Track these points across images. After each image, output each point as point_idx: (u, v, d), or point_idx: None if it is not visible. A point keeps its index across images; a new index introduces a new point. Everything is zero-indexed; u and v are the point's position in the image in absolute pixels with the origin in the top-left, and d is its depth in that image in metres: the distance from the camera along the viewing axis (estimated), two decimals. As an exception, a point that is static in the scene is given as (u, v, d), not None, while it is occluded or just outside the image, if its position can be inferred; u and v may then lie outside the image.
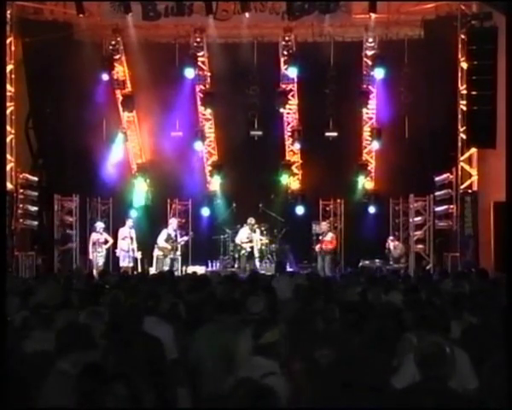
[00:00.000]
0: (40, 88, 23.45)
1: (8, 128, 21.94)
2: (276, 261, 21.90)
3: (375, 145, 23.96)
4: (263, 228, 23.27)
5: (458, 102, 22.26)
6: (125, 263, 22.44)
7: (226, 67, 23.25)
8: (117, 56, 23.98)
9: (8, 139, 21.74)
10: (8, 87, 21.99)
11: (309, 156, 24.14)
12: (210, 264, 23.36)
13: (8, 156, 21.87)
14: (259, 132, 24.04)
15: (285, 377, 5.84)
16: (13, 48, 22.43)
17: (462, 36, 21.91)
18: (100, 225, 22.94)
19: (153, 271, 21.67)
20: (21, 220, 22.77)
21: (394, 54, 23.20)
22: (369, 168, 24.39)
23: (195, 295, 10.11)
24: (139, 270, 22.24)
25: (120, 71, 24.26)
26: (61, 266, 22.85)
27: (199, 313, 8.45)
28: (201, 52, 23.84)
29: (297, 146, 24.30)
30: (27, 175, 23.38)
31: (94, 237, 22.71)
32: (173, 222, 22.91)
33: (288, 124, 24.41)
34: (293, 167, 24.64)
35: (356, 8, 23.07)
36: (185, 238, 23.04)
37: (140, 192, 24.88)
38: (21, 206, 22.82)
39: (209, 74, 24.05)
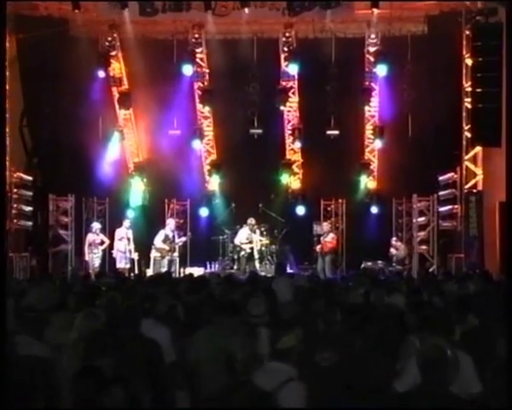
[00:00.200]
0: (35, 85, 23.47)
1: (2, 126, 21.96)
2: (276, 263, 21.91)
3: (378, 144, 23.97)
4: (263, 229, 23.28)
5: (463, 99, 22.30)
6: (121, 264, 22.45)
7: (225, 64, 23.29)
8: (113, 53, 24.01)
9: (1, 137, 21.75)
10: (2, 84, 22.00)
11: (310, 155, 24.16)
12: (208, 265, 23.37)
13: (2, 155, 21.90)
14: (259, 131, 24.06)
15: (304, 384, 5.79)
16: (7, 44, 22.44)
17: (467, 32, 21.95)
18: (96, 225, 22.95)
19: (150, 272, 21.67)
20: (15, 221, 22.80)
21: (397, 50, 23.22)
22: (371, 167, 24.40)
23: (194, 296, 10.12)
24: (136, 271, 22.24)
25: (117, 68, 24.28)
26: (52, 268, 22.80)
27: (197, 316, 8.47)
28: (200, 48, 23.87)
29: (297, 145, 24.32)
30: (21, 174, 23.42)
31: (90, 237, 22.71)
32: (171, 222, 22.92)
33: (289, 122, 24.43)
34: (294, 166, 24.66)
35: (358, 3, 23.08)
36: (183, 239, 23.06)
37: (137, 192, 24.89)
38: (15, 206, 22.85)
39: (208, 71, 24.08)
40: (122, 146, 24.87)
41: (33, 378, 5.84)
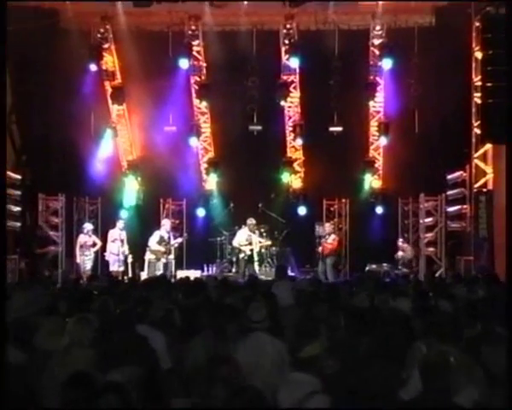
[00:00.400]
0: (23, 80, 23.47)
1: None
2: (276, 265, 21.91)
3: (383, 141, 24.01)
4: (262, 230, 23.29)
5: (472, 94, 22.30)
6: (114, 267, 22.46)
7: (223, 57, 23.31)
8: (106, 45, 24.04)
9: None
10: (-11, 79, 22.00)
11: (312, 153, 24.19)
12: (206, 268, 23.40)
13: (-10, 153, 21.89)
14: (259, 127, 24.10)
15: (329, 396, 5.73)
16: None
17: (477, 23, 21.94)
18: (88, 226, 22.95)
19: (144, 275, 21.69)
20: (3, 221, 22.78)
21: (403, 43, 23.25)
22: (376, 165, 24.43)
23: (191, 301, 10.15)
24: (130, 275, 22.24)
25: (109, 61, 24.31)
26: (38, 271, 22.73)
27: (195, 321, 8.49)
28: (197, 41, 23.91)
29: (299, 142, 24.35)
30: (10, 173, 23.37)
31: (81, 239, 22.72)
32: (166, 223, 22.92)
33: (290, 118, 24.46)
34: (295, 165, 24.69)
35: (362, -7, 23.16)
36: (179, 240, 23.05)
37: (131, 191, 24.92)
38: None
39: (205, 65, 24.11)
40: (115, 143, 24.89)
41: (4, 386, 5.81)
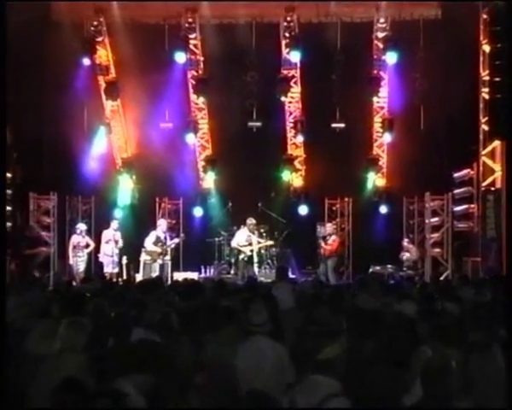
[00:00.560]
0: (14, 75, 23.42)
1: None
2: (277, 267, 21.89)
3: (387, 138, 24.03)
4: (262, 230, 23.29)
5: (480, 89, 22.32)
6: (108, 269, 22.46)
7: (221, 51, 23.32)
8: (99, 39, 24.04)
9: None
10: (-21, 73, 22.01)
11: (313, 150, 24.19)
12: (203, 270, 23.40)
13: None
14: (258, 123, 24.11)
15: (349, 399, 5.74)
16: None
17: (484, 15, 21.96)
18: (81, 226, 22.95)
19: (139, 277, 21.69)
20: (-7, 221, 22.78)
21: (408, 36, 23.25)
22: (380, 163, 24.46)
23: (189, 304, 10.15)
24: (124, 276, 22.25)
25: (103, 55, 24.32)
26: (29, 273, 22.66)
27: (193, 324, 8.50)
28: (194, 34, 23.90)
29: (300, 139, 24.36)
30: (-1, 171, 23.41)
31: (74, 239, 22.71)
32: (162, 223, 22.91)
33: (290, 114, 24.47)
34: (296, 162, 24.70)
35: (366, -16, 23.18)
36: (176, 241, 23.03)
37: (125, 190, 24.92)
38: (-7, 205, 22.83)
39: (202, 59, 24.12)
40: (109, 140, 24.90)
41: None
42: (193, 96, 24.53)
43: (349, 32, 23.32)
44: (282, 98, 24.06)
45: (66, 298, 11.07)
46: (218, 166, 24.63)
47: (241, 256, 22.58)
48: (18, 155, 24.62)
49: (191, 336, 8.16)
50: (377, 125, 24.33)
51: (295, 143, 24.65)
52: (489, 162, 22.38)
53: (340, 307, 9.84)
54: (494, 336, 8.00)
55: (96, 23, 23.83)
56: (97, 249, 22.91)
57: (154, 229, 22.72)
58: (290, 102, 24.35)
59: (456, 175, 22.97)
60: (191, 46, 23.96)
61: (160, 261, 22.22)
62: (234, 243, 22.78)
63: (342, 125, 23.88)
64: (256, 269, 22.59)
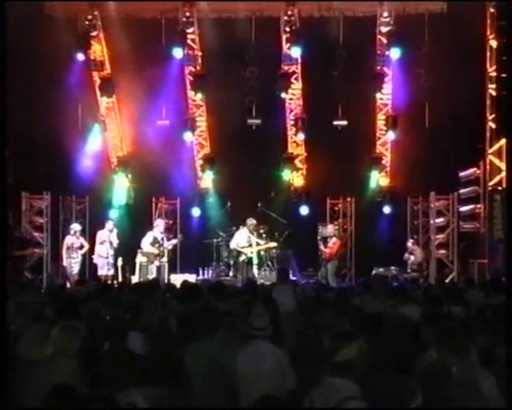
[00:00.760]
0: (6, 70, 23.43)
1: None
2: (278, 269, 21.88)
3: (391, 135, 24.02)
4: (262, 231, 23.28)
5: (486, 85, 22.32)
6: (103, 271, 22.46)
7: (220, 46, 23.33)
8: (94, 33, 24.04)
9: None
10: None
11: (314, 148, 24.19)
12: (201, 272, 23.40)
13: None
14: (258, 121, 24.13)
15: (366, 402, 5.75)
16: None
17: (491, 9, 21.97)
18: (75, 227, 22.92)
19: (135, 279, 21.66)
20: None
21: (413, 31, 23.27)
22: (383, 162, 24.44)
23: (187, 307, 10.15)
24: (120, 278, 22.23)
25: (98, 50, 24.31)
26: (18, 275, 22.63)
27: (191, 328, 8.50)
28: (191, 28, 23.90)
29: (301, 136, 24.36)
30: (-9, 170, 23.40)
31: (68, 240, 22.69)
32: (160, 224, 22.86)
33: (291, 111, 24.47)
34: (297, 161, 24.70)
35: (369, -23, 23.19)
36: (174, 242, 22.98)
37: (121, 189, 24.93)
38: (-16, 205, 22.82)
39: (200, 54, 24.10)
40: (104, 138, 24.88)
41: None
42: (190, 93, 24.53)
43: (351, 26, 23.33)
44: (283, 95, 24.05)
45: (59, 301, 11.09)
46: (216, 164, 24.63)
47: (242, 258, 22.54)
48: (10, 153, 24.64)
49: (189, 340, 8.15)
50: (380, 123, 24.31)
51: (296, 141, 24.65)
52: (496, 161, 22.37)
53: (343, 310, 9.86)
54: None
55: (90, 17, 23.82)
56: (92, 251, 22.90)
57: (151, 230, 22.69)
58: (291, 99, 24.34)
59: (462, 174, 22.96)
60: (189, 41, 23.96)
61: (157, 263, 22.20)
62: (233, 245, 22.74)
63: (344, 122, 23.89)
64: (255, 271, 22.58)
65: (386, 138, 24.29)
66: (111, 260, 22.61)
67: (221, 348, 7.82)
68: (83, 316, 9.09)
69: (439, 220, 23.19)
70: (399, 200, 24.03)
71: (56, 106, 23.14)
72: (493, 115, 21.96)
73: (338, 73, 23.72)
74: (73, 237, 22.69)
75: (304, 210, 24.41)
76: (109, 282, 20.60)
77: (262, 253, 23.05)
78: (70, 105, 23.78)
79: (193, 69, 24.31)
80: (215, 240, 23.70)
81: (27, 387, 6.86)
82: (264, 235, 23.25)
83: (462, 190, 22.99)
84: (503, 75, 21.17)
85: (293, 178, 24.78)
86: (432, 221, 23.22)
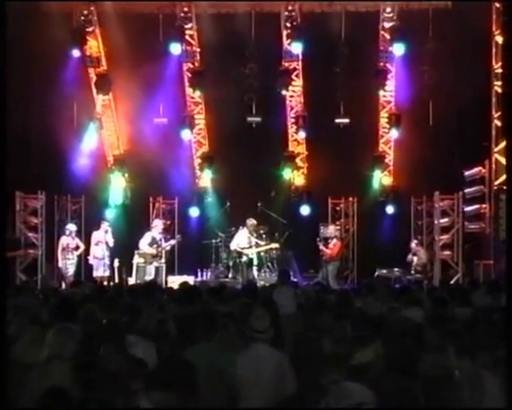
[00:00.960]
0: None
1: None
2: (279, 270, 21.88)
3: (394, 134, 24.04)
4: (262, 231, 23.29)
5: (492, 82, 22.35)
6: (99, 272, 22.48)
7: (218, 42, 23.35)
8: (90, 29, 24.04)
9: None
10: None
11: (316, 147, 24.21)
12: (199, 273, 23.41)
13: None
14: (258, 119, 24.13)
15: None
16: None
17: (497, 4, 21.99)
18: (71, 227, 22.94)
19: (132, 281, 21.69)
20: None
21: (416, 26, 23.28)
22: (386, 161, 24.48)
23: (185, 309, 10.16)
24: (116, 280, 22.24)
25: (94, 46, 24.32)
26: (10, 276, 22.56)
27: (190, 331, 8.51)
28: (189, 24, 23.91)
29: (302, 135, 24.38)
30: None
31: (63, 241, 22.70)
32: (158, 224, 22.83)
33: (292, 109, 24.49)
34: (298, 160, 24.72)
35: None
36: (172, 242, 22.96)
37: (117, 189, 24.94)
38: (-23, 205, 22.82)
39: (198, 50, 24.12)
40: (100, 136, 24.89)
41: None
42: (189, 90, 24.54)
43: (354, 22, 23.31)
44: (283, 92, 24.07)
45: (54, 303, 11.09)
46: (215, 163, 24.64)
47: (243, 259, 22.53)
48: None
49: (188, 343, 8.17)
50: (383, 121, 24.34)
51: (297, 140, 24.67)
52: (502, 160, 22.35)
53: (345, 312, 9.86)
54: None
55: (86, 12, 23.83)
56: (87, 252, 22.91)
57: (148, 230, 22.71)
58: (291, 96, 24.36)
59: (467, 173, 22.99)
60: (187, 37, 23.96)
61: (156, 264, 22.19)
62: (233, 246, 22.75)
63: (346, 120, 23.90)
64: (255, 272, 22.60)
65: (390, 137, 24.31)
66: (107, 262, 22.63)
67: (220, 352, 7.82)
68: (78, 319, 9.09)
69: (444, 221, 23.20)
70: (403, 200, 24.05)
71: (51, 103, 23.15)
72: (499, 113, 21.96)
73: (340, 70, 23.73)
74: (69, 238, 22.71)
75: (305, 210, 24.43)
76: (105, 283, 20.62)
77: (262, 254, 23.06)
78: (65, 102, 23.78)
79: (191, 66, 24.32)
80: (214, 241, 23.70)
81: (23, 390, 6.87)
82: (264, 235, 23.28)
83: (467, 190, 23.00)
84: (510, 72, 21.14)
85: (294, 177, 24.80)
86: (436, 221, 23.22)
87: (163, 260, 22.54)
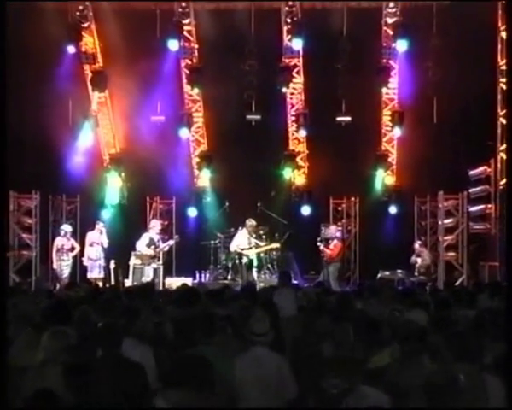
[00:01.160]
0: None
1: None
2: (280, 272, 21.85)
3: (397, 132, 24.05)
4: (261, 232, 23.30)
5: (497, 79, 22.35)
6: (93, 274, 22.52)
7: (217, 38, 23.37)
8: (85, 25, 24.07)
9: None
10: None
11: (317, 145, 24.22)
12: (198, 275, 23.41)
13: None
14: (257, 116, 24.13)
15: None
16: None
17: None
18: (66, 228, 22.96)
19: (129, 283, 21.70)
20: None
21: (420, 22, 23.26)
22: (389, 160, 24.49)
23: (183, 312, 10.17)
24: (112, 282, 22.24)
25: (89, 42, 24.33)
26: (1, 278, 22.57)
27: (188, 334, 8.52)
28: (187, 20, 23.92)
29: (302, 133, 24.39)
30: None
31: (58, 242, 22.73)
32: (156, 224, 22.85)
33: (292, 106, 24.50)
34: (298, 159, 24.74)
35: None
36: (170, 243, 22.98)
37: (113, 188, 24.96)
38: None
39: (197, 46, 24.14)
40: (96, 134, 24.90)
41: None
42: (187, 87, 24.55)
43: (356, 17, 23.30)
44: (284, 89, 24.08)
45: (49, 306, 11.10)
46: (213, 162, 24.65)
47: (244, 260, 22.52)
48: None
49: (186, 346, 8.17)
50: (386, 119, 24.35)
51: (297, 138, 24.69)
52: (508, 159, 22.41)
53: (347, 316, 9.87)
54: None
55: (81, 8, 23.85)
56: (83, 253, 22.93)
57: (145, 231, 22.73)
58: (292, 94, 24.37)
59: (471, 172, 23.00)
60: (185, 33, 23.97)
61: (154, 265, 22.20)
62: (233, 247, 22.73)
63: (348, 118, 23.90)
64: (255, 274, 22.59)
65: (392, 135, 24.32)
66: (102, 263, 22.65)
67: (219, 355, 7.83)
68: (73, 321, 9.10)
69: (448, 221, 23.19)
70: (406, 200, 24.05)
71: (46, 101, 23.13)
72: (504, 111, 21.96)
73: (341, 67, 23.71)
74: (64, 239, 22.73)
75: (305, 210, 24.45)
76: (100, 285, 20.62)
77: (262, 255, 23.06)
78: (60, 100, 23.77)
79: (189, 62, 24.33)
80: (212, 242, 23.69)
81: (17, 394, 6.88)
82: (263, 236, 23.27)
83: (471, 190, 23.01)
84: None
85: (295, 176, 24.82)
86: (440, 222, 23.22)
87: (160, 262, 22.54)
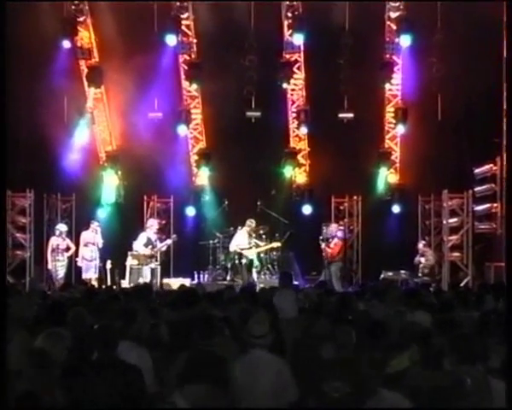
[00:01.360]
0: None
1: None
2: (280, 273, 21.87)
3: (401, 129, 24.06)
4: (262, 232, 23.30)
5: (503, 74, 22.31)
6: (88, 275, 22.53)
7: (216, 33, 23.36)
8: (81, 19, 24.07)
9: None
10: None
11: (318, 143, 24.22)
12: (196, 276, 23.41)
13: None
14: (257, 113, 24.15)
15: None
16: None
17: (508, -6, 21.96)
18: (61, 227, 22.96)
19: (125, 284, 21.70)
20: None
21: (424, 16, 23.26)
22: (392, 158, 24.50)
23: (181, 314, 10.17)
24: (108, 283, 22.24)
25: (85, 37, 24.33)
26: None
27: (185, 337, 8.51)
28: (186, 14, 23.92)
29: (304, 130, 24.40)
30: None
31: (53, 242, 22.73)
32: (154, 224, 22.89)
33: (293, 103, 24.50)
34: (299, 157, 24.74)
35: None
36: (168, 242, 22.99)
37: (109, 187, 24.97)
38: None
39: (195, 41, 24.14)
40: (91, 132, 24.91)
41: None
42: (185, 83, 24.55)
43: (358, 11, 23.30)
44: (284, 85, 24.08)
45: (43, 307, 11.11)
46: (212, 160, 24.66)
47: (244, 261, 22.52)
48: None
49: (183, 348, 8.17)
50: (389, 116, 24.36)
51: (298, 136, 24.69)
52: (513, 157, 22.39)
53: (347, 317, 9.88)
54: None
55: (77, 2, 23.85)
56: (77, 253, 22.92)
57: (142, 230, 22.75)
58: (293, 90, 24.38)
59: (477, 171, 23.00)
60: (183, 27, 23.97)
61: (151, 265, 22.21)
62: (233, 246, 22.75)
63: (351, 115, 23.91)
64: (255, 275, 22.60)
65: (396, 132, 24.34)
66: (97, 263, 22.66)
67: (217, 358, 7.82)
68: (68, 323, 9.11)
69: (453, 220, 23.20)
70: (410, 198, 24.06)
71: (40, 97, 23.15)
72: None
73: (344, 62, 23.71)
74: (59, 239, 22.73)
75: (307, 209, 24.46)
76: (95, 285, 20.62)
77: (262, 255, 23.07)
78: (55, 96, 23.76)
79: (187, 57, 24.33)
80: (211, 241, 23.71)
81: (11, 397, 6.88)
82: (264, 236, 23.28)
83: (477, 188, 23.01)
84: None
85: (296, 174, 24.82)
86: (445, 221, 23.23)
87: (158, 262, 22.54)
